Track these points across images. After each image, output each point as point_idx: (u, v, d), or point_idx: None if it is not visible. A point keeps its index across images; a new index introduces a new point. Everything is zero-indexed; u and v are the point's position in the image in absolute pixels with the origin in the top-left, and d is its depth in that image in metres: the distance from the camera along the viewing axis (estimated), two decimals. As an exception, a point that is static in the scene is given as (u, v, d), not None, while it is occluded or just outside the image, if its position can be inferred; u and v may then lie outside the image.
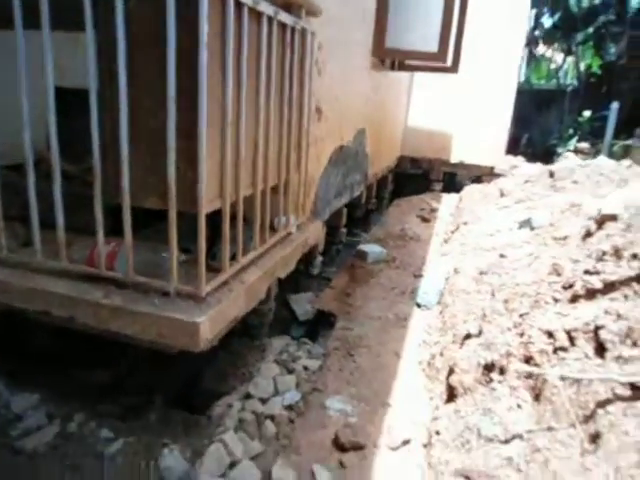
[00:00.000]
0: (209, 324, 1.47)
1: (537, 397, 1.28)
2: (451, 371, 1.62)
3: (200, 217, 1.43)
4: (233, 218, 1.67)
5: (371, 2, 3.38)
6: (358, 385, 1.91)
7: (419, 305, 2.53)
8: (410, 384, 1.89)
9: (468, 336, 1.69)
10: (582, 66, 11.69)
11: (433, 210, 4.69)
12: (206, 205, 1.45)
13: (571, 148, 9.11)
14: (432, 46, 3.87)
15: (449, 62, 4.31)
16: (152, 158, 1.49)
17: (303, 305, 2.71)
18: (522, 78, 11.82)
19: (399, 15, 3.61)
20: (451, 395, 1.57)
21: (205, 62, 1.34)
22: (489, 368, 1.46)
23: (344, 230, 3.58)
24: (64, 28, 1.60)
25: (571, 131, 10.46)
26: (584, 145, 9.11)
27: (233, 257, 1.71)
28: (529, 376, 1.33)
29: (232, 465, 1.47)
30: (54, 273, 1.61)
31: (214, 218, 1.60)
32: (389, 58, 4.06)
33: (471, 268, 2.31)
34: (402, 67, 4.42)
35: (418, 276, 2.90)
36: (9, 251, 1.66)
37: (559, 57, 13.11)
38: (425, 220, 4.32)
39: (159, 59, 1.35)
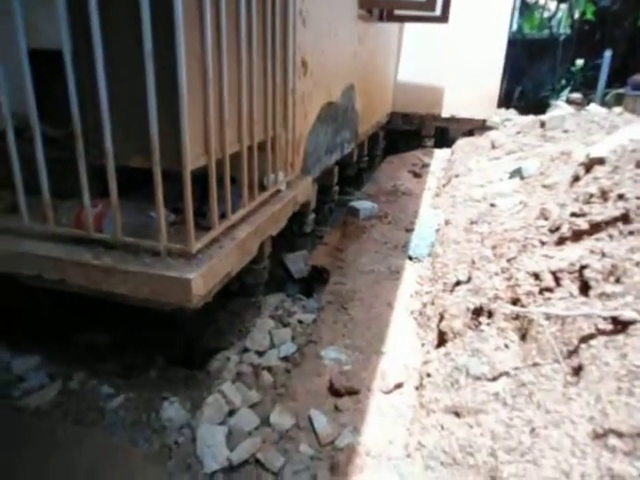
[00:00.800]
0: (201, 280, 1.48)
1: (524, 337, 1.32)
2: (441, 317, 1.66)
3: (185, 173, 1.42)
4: (222, 178, 1.66)
5: (355, -52, 3.25)
6: (352, 336, 1.95)
7: (411, 258, 2.56)
8: (403, 333, 1.94)
9: (458, 283, 1.71)
10: (576, 14, 11.36)
11: (425, 165, 4.66)
12: (191, 161, 1.44)
13: (564, 99, 8.97)
14: (420, -6, 3.76)
15: (438, 11, 4.20)
16: (134, 116, 1.46)
17: (297, 263, 2.73)
18: (514, 28, 11.48)
19: (385, -39, 3.48)
20: (442, 340, 1.61)
21: (181, 12, 1.30)
22: (477, 312, 1.50)
23: (336, 189, 3.57)
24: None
25: (564, 82, 10.27)
26: (577, 95, 8.97)
27: (223, 215, 1.71)
28: (516, 317, 1.36)
29: (231, 413, 1.52)
30: (43, 237, 1.61)
31: (203, 178, 1.59)
32: (376, 7, 3.93)
33: (462, 219, 2.33)
34: (391, 18, 4.29)
35: (410, 230, 2.92)
36: (-4, 217, 1.66)
37: (552, 5, 12.70)
38: (417, 175, 4.30)
39: (133, 11, 1.31)
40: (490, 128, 5.47)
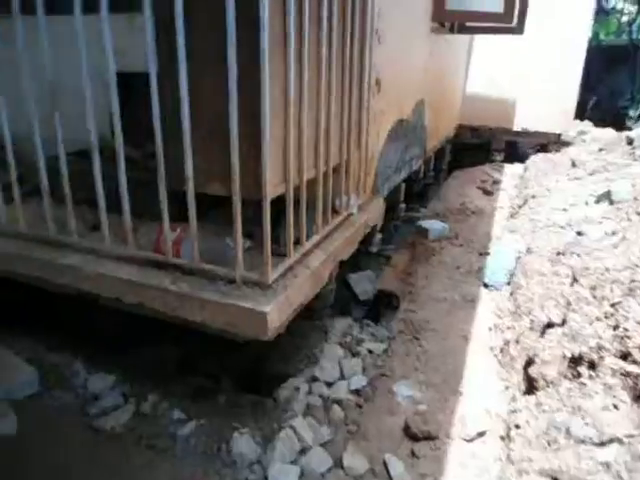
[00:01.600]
0: (277, 312, 1.44)
1: (637, 398, 1.17)
2: (530, 361, 1.52)
3: (265, 204, 1.38)
4: (296, 202, 1.62)
5: (431, -39, 3.15)
6: (426, 370, 1.84)
7: (486, 285, 2.40)
8: (481, 371, 1.81)
9: (550, 325, 1.57)
10: (660, 17, 10.54)
11: (495, 182, 4.44)
12: (271, 190, 1.41)
13: (645, 110, 8.33)
14: (497, 6, 3.60)
15: (514, 22, 4.00)
16: (214, 143, 1.45)
17: (362, 284, 2.65)
18: (589, 34, 10.84)
19: (461, -27, 3.36)
20: (530, 387, 1.47)
21: (267, 36, 1.26)
22: (576, 361, 1.35)
23: (402, 206, 3.46)
24: (119, 10, 1.57)
25: (645, 91, 9.55)
26: (660, 106, 8.30)
27: (297, 241, 1.66)
28: (627, 374, 1.21)
29: (302, 451, 1.46)
30: (122, 259, 1.63)
31: (275, 200, 1.55)
32: (450, 21, 3.80)
33: (545, 247, 2.16)
34: (463, 29, 4.14)
35: (483, 254, 2.76)
36: (79, 235, 1.70)
37: (632, 9, 11.89)
38: (487, 193, 4.10)
39: (219, 39, 1.29)
40: (565, 143, 5.15)
